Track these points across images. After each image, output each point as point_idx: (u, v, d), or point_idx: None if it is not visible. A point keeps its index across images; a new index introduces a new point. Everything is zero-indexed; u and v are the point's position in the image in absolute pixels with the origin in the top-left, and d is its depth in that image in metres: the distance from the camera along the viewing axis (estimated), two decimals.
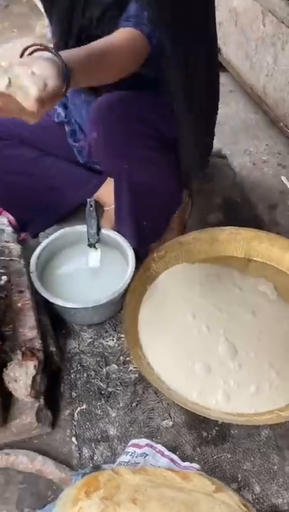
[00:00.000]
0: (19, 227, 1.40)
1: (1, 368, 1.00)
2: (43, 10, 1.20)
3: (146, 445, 0.95)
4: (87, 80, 0.88)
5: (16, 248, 1.21)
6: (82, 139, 1.27)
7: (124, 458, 0.93)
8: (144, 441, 0.96)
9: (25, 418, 0.99)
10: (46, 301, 1.18)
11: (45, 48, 0.78)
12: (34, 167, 1.27)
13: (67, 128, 1.29)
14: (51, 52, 0.76)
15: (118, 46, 0.93)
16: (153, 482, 0.81)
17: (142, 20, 0.94)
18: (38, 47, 0.78)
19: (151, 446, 0.94)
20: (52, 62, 0.74)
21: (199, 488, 0.80)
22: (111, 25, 0.99)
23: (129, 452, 0.94)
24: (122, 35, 0.94)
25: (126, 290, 1.19)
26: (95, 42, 0.91)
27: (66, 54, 0.78)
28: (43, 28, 2.47)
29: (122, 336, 1.22)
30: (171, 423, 1.06)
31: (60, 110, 1.29)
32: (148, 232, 1.23)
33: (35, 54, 0.77)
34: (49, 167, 1.29)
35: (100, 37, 0.98)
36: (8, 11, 2.96)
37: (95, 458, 1.01)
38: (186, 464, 0.92)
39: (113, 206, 1.35)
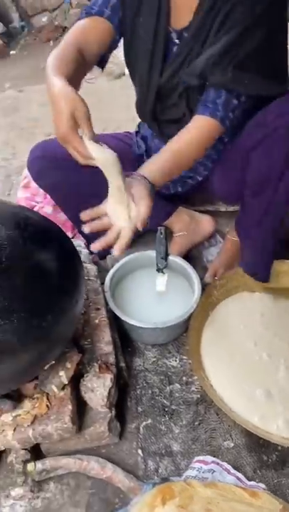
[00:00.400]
0: (88, 249, 1.51)
1: (78, 378, 1.09)
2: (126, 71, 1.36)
3: (213, 462, 1.00)
4: (169, 179, 1.08)
5: (92, 268, 1.31)
6: None
7: (191, 472, 0.99)
8: (209, 458, 1.02)
9: (98, 427, 1.06)
10: (116, 319, 1.28)
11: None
12: None
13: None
14: (139, 177, 0.98)
15: (194, 141, 1.09)
16: (224, 496, 0.86)
17: (217, 107, 1.09)
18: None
19: (218, 464, 1.00)
20: (142, 185, 0.96)
21: (268, 505, 0.85)
22: (190, 97, 1.16)
23: (195, 468, 1.00)
24: (198, 125, 1.10)
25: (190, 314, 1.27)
26: (173, 142, 1.08)
27: (148, 173, 1.00)
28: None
29: (185, 357, 1.29)
30: (232, 444, 1.11)
31: (141, 143, 1.41)
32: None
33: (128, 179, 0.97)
34: None
35: (177, 100, 1.18)
36: None
37: (160, 471, 1.07)
38: (252, 483, 0.97)
39: (181, 233, 1.45)
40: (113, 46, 1.22)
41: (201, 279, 1.37)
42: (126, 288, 1.37)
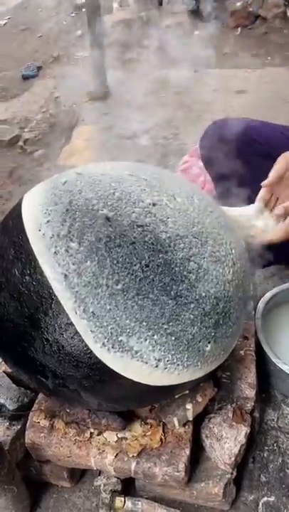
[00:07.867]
0: None
1: (202, 416, 0.86)
2: None
3: None
4: None
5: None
6: None
7: None
8: None
9: (212, 487, 0.83)
10: (258, 352, 1.02)
11: None
12: None
13: None
14: None
15: None
16: None
17: None
18: None
19: None
20: None
21: None
22: None
23: None
24: None
25: None
26: None
27: None
28: None
29: None
30: None
31: None
32: None
33: None
34: None
35: None
36: (266, 38, 2.93)
37: None
38: None
39: None
40: None
41: None
42: (279, 320, 1.10)
